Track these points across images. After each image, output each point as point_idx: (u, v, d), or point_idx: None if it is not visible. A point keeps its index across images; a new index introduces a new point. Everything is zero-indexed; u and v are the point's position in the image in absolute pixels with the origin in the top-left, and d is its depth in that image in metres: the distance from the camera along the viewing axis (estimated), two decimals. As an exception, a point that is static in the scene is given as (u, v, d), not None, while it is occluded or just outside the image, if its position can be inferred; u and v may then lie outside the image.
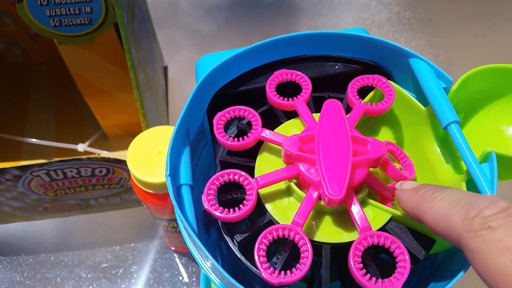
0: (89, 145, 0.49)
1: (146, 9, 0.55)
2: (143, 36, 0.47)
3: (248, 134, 0.26)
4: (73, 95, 0.57)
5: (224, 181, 0.24)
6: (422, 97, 0.28)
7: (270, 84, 0.28)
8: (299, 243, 0.22)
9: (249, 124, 0.27)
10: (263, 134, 0.26)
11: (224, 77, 0.29)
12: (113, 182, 0.45)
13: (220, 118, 0.27)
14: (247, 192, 0.24)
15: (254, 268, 0.23)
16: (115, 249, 0.50)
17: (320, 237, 0.23)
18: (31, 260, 0.50)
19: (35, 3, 0.38)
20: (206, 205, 0.23)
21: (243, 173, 0.24)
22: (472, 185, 0.24)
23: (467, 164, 0.24)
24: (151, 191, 0.36)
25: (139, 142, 0.37)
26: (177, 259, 0.49)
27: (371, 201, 0.24)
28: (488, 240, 0.17)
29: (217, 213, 0.23)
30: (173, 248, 0.49)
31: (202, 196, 0.24)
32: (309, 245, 0.22)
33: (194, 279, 0.48)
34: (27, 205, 0.47)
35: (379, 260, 0.24)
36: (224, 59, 0.28)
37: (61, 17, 0.39)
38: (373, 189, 0.25)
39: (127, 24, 0.40)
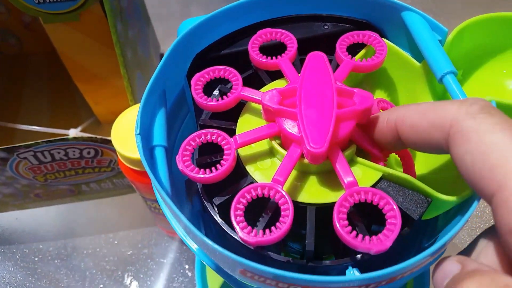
0: (82, 131, 0.48)
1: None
2: (132, 16, 0.45)
3: (228, 94, 0.24)
4: (67, 85, 0.55)
5: (202, 142, 0.22)
6: (417, 55, 0.26)
7: (253, 44, 0.26)
8: (280, 202, 0.20)
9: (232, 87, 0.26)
10: (243, 93, 0.24)
11: (205, 38, 0.28)
12: (103, 165, 0.43)
13: (198, 79, 0.25)
14: (225, 152, 0.22)
15: (234, 232, 0.21)
16: (109, 237, 0.48)
17: (304, 198, 0.22)
18: (24, 250, 0.49)
19: None
20: (180, 166, 0.22)
21: (221, 132, 0.22)
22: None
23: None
24: (137, 168, 0.35)
25: (123, 119, 0.36)
26: (172, 247, 0.47)
27: (359, 159, 0.22)
28: (489, 122, 0.16)
29: (192, 174, 0.21)
30: (165, 233, 0.47)
31: (176, 157, 0.22)
32: (289, 203, 0.20)
33: (187, 266, 0.46)
34: (17, 191, 0.46)
35: (370, 230, 0.22)
36: (204, 17, 0.27)
37: None
38: (362, 147, 0.23)
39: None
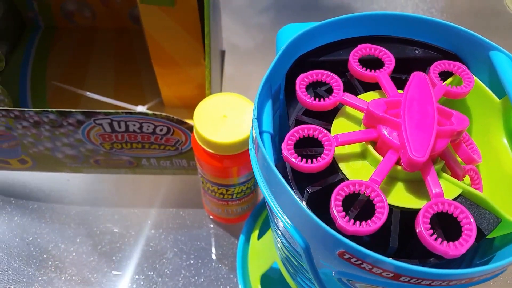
0: (147, 109, 0.50)
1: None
2: (216, 10, 0.48)
3: (330, 96, 0.27)
4: (134, 64, 0.58)
5: (303, 135, 0.25)
6: (497, 91, 0.28)
7: (354, 55, 0.29)
8: (375, 199, 0.22)
9: (327, 91, 0.28)
10: (345, 98, 0.26)
11: (306, 45, 0.30)
12: (169, 144, 0.46)
13: (303, 79, 0.27)
14: (326, 147, 0.24)
15: (320, 221, 0.23)
16: (151, 212, 0.51)
17: (390, 200, 0.24)
18: (74, 211, 0.51)
19: None
20: (285, 152, 0.24)
21: (322, 129, 0.25)
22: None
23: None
24: (212, 151, 0.37)
25: (205, 104, 0.38)
26: (212, 231, 0.50)
27: (444, 174, 0.25)
28: None
29: (296, 161, 0.24)
30: (211, 217, 0.50)
31: (282, 144, 0.24)
32: (385, 202, 0.22)
33: (221, 252, 0.48)
34: (80, 154, 0.48)
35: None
36: (309, 27, 0.29)
37: None
38: (447, 163, 0.25)
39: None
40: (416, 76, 0.25)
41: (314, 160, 0.24)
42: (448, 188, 0.24)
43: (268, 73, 0.27)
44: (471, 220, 0.22)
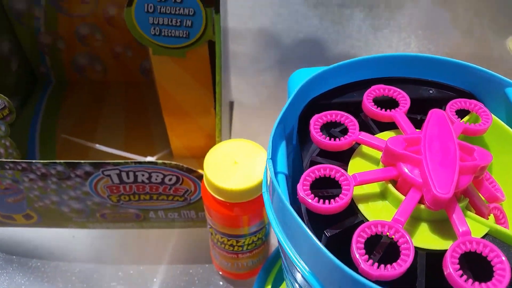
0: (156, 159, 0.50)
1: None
2: (225, 60, 0.48)
3: (345, 136, 0.26)
4: (144, 115, 0.59)
5: (320, 175, 0.24)
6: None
7: (368, 95, 0.28)
8: (399, 241, 0.21)
9: (342, 132, 0.27)
10: (361, 137, 0.26)
11: (319, 88, 0.30)
12: (178, 194, 0.45)
13: (317, 120, 0.27)
14: (344, 187, 0.23)
15: (341, 264, 0.22)
16: (158, 269, 0.49)
17: (415, 242, 0.22)
18: (79, 269, 0.49)
19: (143, 9, 0.40)
20: (301, 193, 0.23)
21: (339, 169, 0.24)
22: None
23: None
24: (222, 199, 0.36)
25: (215, 151, 0.38)
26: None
27: (468, 212, 0.23)
28: None
29: (312, 202, 0.23)
30: (220, 273, 0.48)
31: (298, 185, 0.23)
32: (410, 243, 0.21)
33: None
34: (86, 208, 0.47)
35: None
36: (320, 70, 0.29)
37: (162, 27, 0.41)
38: (471, 201, 0.24)
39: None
40: (434, 113, 0.25)
41: (332, 200, 0.23)
42: (474, 227, 0.23)
43: (281, 114, 0.26)
44: (503, 258, 0.20)
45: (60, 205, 0.47)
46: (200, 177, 0.42)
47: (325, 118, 0.27)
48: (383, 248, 0.22)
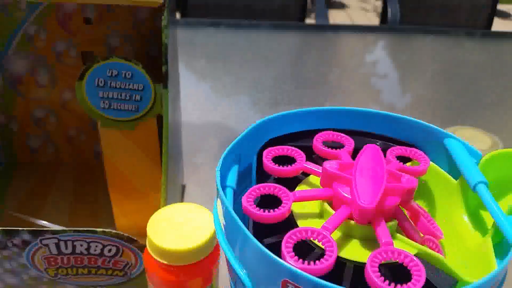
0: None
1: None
2: (175, 140, 0.57)
3: (293, 164, 0.34)
4: (92, 195, 0.67)
5: (265, 192, 0.32)
6: (454, 174, 0.36)
7: (317, 138, 0.37)
8: (325, 245, 0.28)
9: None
10: (306, 165, 0.34)
11: (270, 133, 0.39)
12: (118, 268, 0.51)
13: (269, 152, 0.36)
14: (284, 201, 0.31)
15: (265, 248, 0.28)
16: None
17: (344, 254, 0.29)
18: None
19: (93, 83, 0.49)
20: (245, 203, 0.31)
21: (282, 187, 0.32)
22: (499, 249, 0.31)
23: (494, 216, 0.31)
24: (166, 262, 0.42)
25: (160, 215, 0.45)
26: None
27: (398, 235, 0.31)
28: None
29: (253, 210, 0.30)
30: None
31: (243, 197, 0.31)
32: (334, 245, 0.28)
33: None
34: (22, 284, 0.52)
35: None
36: (276, 115, 0.38)
37: (112, 100, 0.51)
38: (401, 225, 0.31)
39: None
40: (368, 147, 0.34)
41: (272, 211, 0.30)
42: (403, 247, 0.30)
43: (233, 144, 0.35)
44: (420, 265, 0.27)
45: (-7, 279, 0.52)
46: (141, 248, 0.49)
47: (277, 151, 0.36)
48: (311, 251, 0.29)
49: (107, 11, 0.61)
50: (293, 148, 0.36)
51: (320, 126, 0.39)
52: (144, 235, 0.48)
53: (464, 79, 1.12)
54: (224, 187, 0.33)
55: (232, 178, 0.34)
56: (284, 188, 0.31)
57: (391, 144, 0.39)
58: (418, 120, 0.38)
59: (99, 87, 0.50)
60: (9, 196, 0.67)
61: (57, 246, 0.49)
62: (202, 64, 1.13)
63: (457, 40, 1.34)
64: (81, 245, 0.49)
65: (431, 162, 0.36)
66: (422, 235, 0.33)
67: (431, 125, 0.38)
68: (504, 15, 3.49)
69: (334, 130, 0.39)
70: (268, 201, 0.31)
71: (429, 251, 0.30)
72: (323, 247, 0.28)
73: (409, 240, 0.30)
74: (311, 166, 0.34)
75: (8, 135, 0.71)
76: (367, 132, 0.40)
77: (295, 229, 0.29)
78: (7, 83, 0.66)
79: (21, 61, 0.65)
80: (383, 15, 1.73)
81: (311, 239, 0.29)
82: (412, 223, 0.32)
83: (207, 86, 1.06)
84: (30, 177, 0.71)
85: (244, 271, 0.29)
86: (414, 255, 0.29)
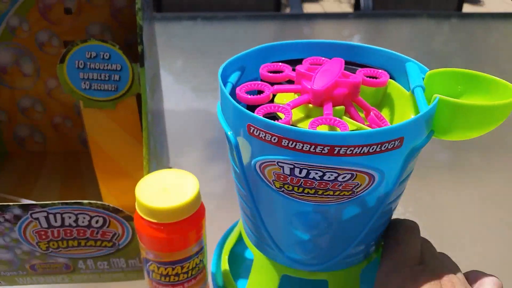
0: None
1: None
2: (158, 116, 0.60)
3: (282, 73, 0.44)
4: (79, 180, 0.70)
5: (253, 87, 0.42)
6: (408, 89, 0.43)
7: (305, 61, 0.46)
8: (285, 114, 0.37)
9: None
10: (290, 73, 0.44)
11: (270, 58, 0.47)
12: (106, 239, 0.54)
13: (265, 66, 0.45)
14: (265, 91, 0.41)
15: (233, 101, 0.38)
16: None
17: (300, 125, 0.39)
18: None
19: (74, 65, 0.52)
20: (237, 91, 0.41)
21: (266, 83, 0.42)
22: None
23: (418, 103, 0.39)
24: (155, 220, 0.44)
25: (146, 180, 0.47)
26: None
27: (344, 117, 0.39)
28: None
29: (243, 95, 0.40)
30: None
31: (237, 88, 0.41)
32: (291, 114, 0.37)
33: None
34: (15, 258, 0.54)
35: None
36: (273, 43, 0.47)
37: (92, 81, 0.54)
38: (349, 112, 0.40)
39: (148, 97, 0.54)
40: (335, 59, 0.41)
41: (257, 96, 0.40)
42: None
43: (236, 56, 0.45)
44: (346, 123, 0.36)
45: (-12, 256, 0.53)
46: (128, 218, 0.51)
47: (272, 67, 0.45)
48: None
49: (86, 1, 0.65)
50: (284, 64, 0.45)
51: (310, 54, 0.47)
52: (131, 212, 0.50)
53: (439, 59, 1.20)
54: (225, 82, 0.42)
55: (233, 78, 0.43)
56: (268, 84, 0.42)
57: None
58: (388, 50, 0.46)
59: (79, 69, 0.53)
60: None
61: (47, 219, 0.52)
62: (180, 61, 1.19)
63: (429, 23, 1.43)
64: (70, 217, 0.52)
65: (391, 80, 0.44)
66: (367, 122, 0.39)
67: (396, 52, 0.45)
68: (473, 1, 3.73)
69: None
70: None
71: (363, 126, 0.37)
72: (283, 116, 0.37)
73: (351, 120, 0.37)
74: (293, 73, 0.43)
75: (-3, 126, 0.74)
76: (347, 61, 0.46)
77: (265, 105, 0.38)
78: (-8, 75, 0.69)
79: (5, 52, 0.68)
80: (356, 5, 1.81)
81: (277, 112, 0.38)
82: (359, 112, 0.40)
83: (187, 81, 1.11)
84: (19, 166, 0.73)
85: (230, 132, 0.39)
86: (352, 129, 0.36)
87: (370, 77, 0.43)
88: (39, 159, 0.74)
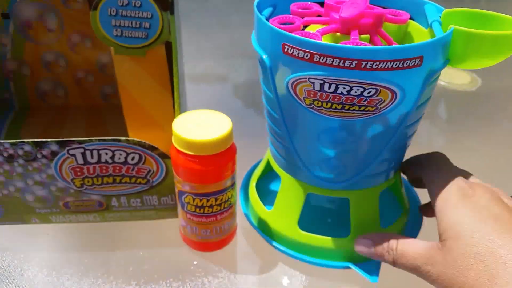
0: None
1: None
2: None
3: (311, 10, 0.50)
4: (103, 134, 0.72)
5: (286, 21, 0.46)
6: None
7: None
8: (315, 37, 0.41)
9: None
10: (318, 9, 0.49)
11: None
12: (140, 176, 0.57)
13: (295, 5, 0.50)
14: (296, 22, 0.45)
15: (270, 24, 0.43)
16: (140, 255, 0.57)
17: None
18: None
19: (106, 12, 0.54)
20: (271, 21, 0.45)
21: (297, 17, 0.47)
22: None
23: (436, 32, 0.44)
24: (192, 153, 0.48)
25: (182, 117, 0.51)
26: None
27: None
28: None
29: (276, 24, 0.44)
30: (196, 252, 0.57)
31: (271, 20, 0.45)
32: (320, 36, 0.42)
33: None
34: (50, 195, 0.57)
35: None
36: None
37: (123, 28, 0.56)
38: (373, 41, 0.44)
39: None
40: None
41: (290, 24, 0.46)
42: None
43: None
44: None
45: (24, 192, 0.57)
46: (163, 155, 0.54)
47: (301, 5, 0.49)
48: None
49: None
50: (313, 3, 0.50)
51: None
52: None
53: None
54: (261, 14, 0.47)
55: (265, 12, 0.48)
56: (298, 17, 0.46)
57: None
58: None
59: (111, 16, 0.55)
60: (21, 137, 0.72)
61: (83, 155, 0.55)
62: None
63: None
64: (106, 154, 0.55)
65: (411, 20, 0.48)
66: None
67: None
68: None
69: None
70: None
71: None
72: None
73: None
74: (321, 9, 0.48)
75: (20, 80, 0.77)
76: (376, 5, 0.49)
77: (297, 31, 0.41)
78: (17, 30, 0.72)
79: (29, 7, 0.71)
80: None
81: (307, 38, 0.41)
82: (382, 43, 0.45)
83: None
84: (42, 121, 0.77)
85: (265, 55, 0.44)
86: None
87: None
88: (61, 113, 0.78)
